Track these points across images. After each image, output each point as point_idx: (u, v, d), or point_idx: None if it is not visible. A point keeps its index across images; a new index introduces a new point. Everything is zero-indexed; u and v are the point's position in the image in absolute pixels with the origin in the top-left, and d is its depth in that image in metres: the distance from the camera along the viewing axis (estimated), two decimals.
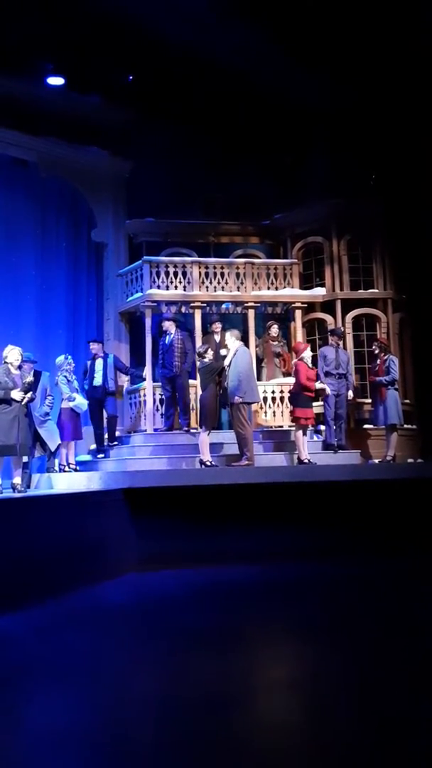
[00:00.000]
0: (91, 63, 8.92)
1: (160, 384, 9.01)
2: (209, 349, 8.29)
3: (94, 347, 9.03)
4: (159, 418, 9.07)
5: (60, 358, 8.78)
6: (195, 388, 9.14)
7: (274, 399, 9.39)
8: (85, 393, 8.83)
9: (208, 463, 7.85)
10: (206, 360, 8.14)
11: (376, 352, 8.98)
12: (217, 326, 9.20)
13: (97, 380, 8.84)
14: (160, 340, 8.98)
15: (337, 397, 8.82)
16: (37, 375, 8.19)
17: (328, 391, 8.76)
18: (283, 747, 2.77)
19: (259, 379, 9.31)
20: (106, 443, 9.01)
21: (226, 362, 8.15)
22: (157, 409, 9.11)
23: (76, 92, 9.42)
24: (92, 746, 2.80)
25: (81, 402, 8.59)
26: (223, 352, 8.42)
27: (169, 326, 8.88)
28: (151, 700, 3.32)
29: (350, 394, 8.99)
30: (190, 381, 9.01)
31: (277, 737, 2.85)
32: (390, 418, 8.63)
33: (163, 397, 8.96)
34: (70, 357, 8.82)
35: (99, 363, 8.91)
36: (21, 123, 9.40)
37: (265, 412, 9.35)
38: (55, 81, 9.25)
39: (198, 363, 8.34)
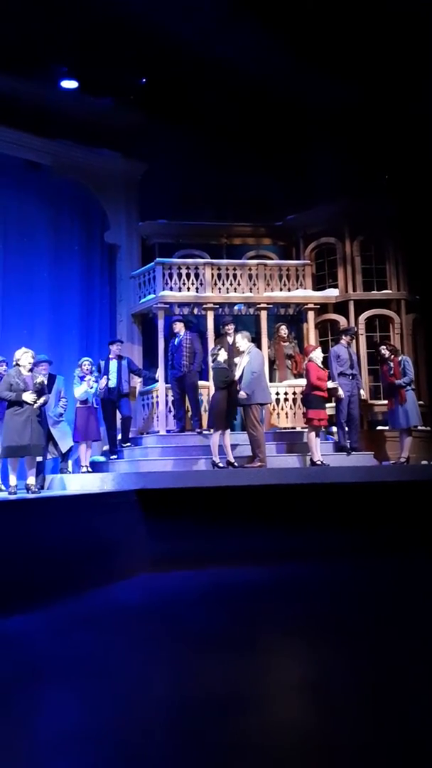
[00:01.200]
0: (104, 66, 8.97)
1: (171, 386, 9.02)
2: (222, 349, 8.28)
3: (114, 348, 9.04)
4: (171, 419, 9.08)
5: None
6: (207, 389, 9.16)
7: (286, 400, 9.37)
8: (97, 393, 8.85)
9: (220, 465, 7.85)
10: (219, 360, 8.13)
11: (386, 355, 8.86)
12: (230, 327, 9.19)
13: (112, 382, 8.87)
14: (171, 342, 9.01)
15: (351, 397, 8.77)
16: (52, 378, 8.28)
17: (342, 393, 8.70)
18: (293, 749, 2.76)
19: (271, 380, 9.30)
20: (119, 444, 9.05)
21: (238, 370, 8.08)
22: (170, 411, 9.13)
23: (90, 95, 9.49)
24: (103, 747, 2.80)
25: (81, 393, 8.51)
26: (236, 360, 8.32)
27: (180, 327, 8.90)
28: (162, 702, 3.32)
29: (362, 393, 8.93)
30: (201, 382, 9.03)
31: (288, 739, 2.84)
32: (411, 420, 8.57)
33: (173, 398, 8.97)
34: (84, 359, 8.84)
35: (113, 365, 8.95)
36: (34, 126, 9.47)
37: (278, 414, 9.33)
38: (69, 84, 9.32)
39: (212, 363, 8.35)
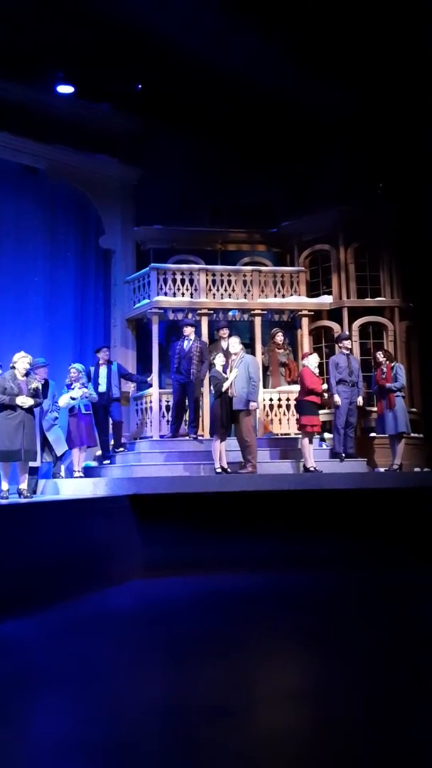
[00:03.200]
0: (101, 71, 9.00)
1: (169, 389, 8.98)
2: (219, 356, 8.29)
3: (102, 355, 9.06)
4: (165, 424, 9.07)
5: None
6: (201, 394, 9.16)
7: (279, 406, 9.38)
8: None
9: (218, 470, 7.86)
10: (217, 368, 8.14)
11: (381, 359, 8.92)
12: (225, 332, 9.13)
13: (102, 387, 8.88)
14: (176, 344, 8.90)
15: (350, 405, 8.79)
16: (47, 383, 8.27)
17: (338, 400, 8.71)
18: (287, 756, 2.76)
19: (264, 386, 9.31)
20: (111, 449, 9.02)
21: (231, 375, 8.09)
22: (163, 416, 9.12)
23: (86, 100, 9.52)
24: (96, 753, 2.79)
25: (63, 402, 8.45)
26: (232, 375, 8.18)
27: (190, 332, 8.82)
28: (155, 708, 3.31)
29: (360, 400, 8.94)
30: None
31: (281, 746, 2.84)
32: (399, 426, 8.60)
33: (171, 402, 8.92)
34: (72, 366, 8.81)
35: (103, 370, 8.97)
36: (31, 130, 9.47)
37: (271, 420, 9.34)
38: (65, 89, 9.33)
39: (210, 371, 8.36)
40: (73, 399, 8.45)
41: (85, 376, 8.81)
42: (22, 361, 7.06)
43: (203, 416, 9.07)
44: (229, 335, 8.99)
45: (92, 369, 9.03)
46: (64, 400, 8.46)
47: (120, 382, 9.12)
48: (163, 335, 9.42)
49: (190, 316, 9.51)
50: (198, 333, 9.50)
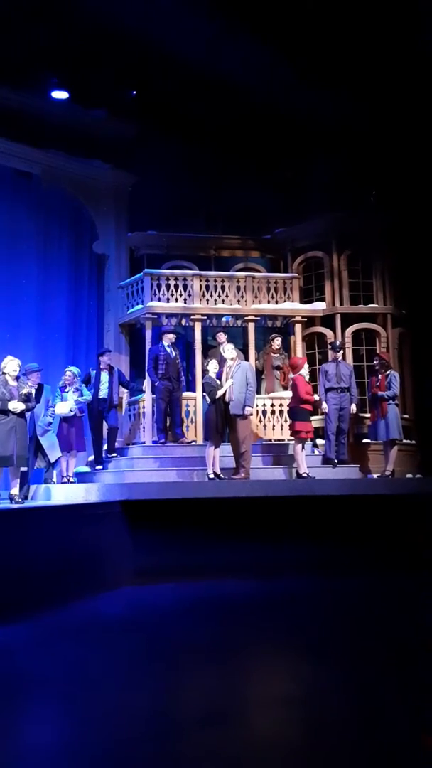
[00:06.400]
0: (95, 77, 9.01)
1: (158, 396, 8.96)
2: (212, 362, 8.29)
3: (105, 359, 9.03)
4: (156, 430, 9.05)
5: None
6: (194, 400, 9.16)
7: (273, 412, 9.39)
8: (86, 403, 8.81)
9: (211, 475, 7.85)
10: (210, 374, 8.14)
11: (377, 368, 8.98)
12: (222, 337, 9.13)
13: (103, 392, 8.83)
14: (156, 350, 8.89)
15: (341, 411, 8.82)
16: (41, 387, 8.24)
17: (325, 407, 8.76)
18: (278, 763, 2.75)
19: (258, 391, 9.32)
20: (105, 455, 8.99)
21: (227, 382, 8.09)
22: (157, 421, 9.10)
23: (80, 106, 9.52)
24: (86, 761, 2.77)
25: (61, 410, 8.43)
26: (227, 384, 8.16)
27: (172, 339, 8.89)
28: (146, 714, 3.29)
29: (353, 407, 8.93)
30: (186, 393, 9.05)
31: (273, 753, 2.83)
32: (391, 433, 8.62)
33: (157, 408, 8.85)
34: (68, 369, 8.80)
35: (105, 375, 8.91)
36: (25, 136, 9.49)
37: (264, 426, 9.34)
38: (60, 95, 9.35)
39: (204, 377, 8.36)
40: (71, 411, 8.40)
41: (80, 380, 8.79)
42: (10, 365, 7.03)
43: (196, 421, 9.06)
44: (227, 340, 9.02)
45: (92, 372, 8.97)
46: (63, 409, 8.37)
47: (119, 388, 9.10)
48: (155, 338, 9.41)
49: (183, 322, 9.52)
50: (187, 338, 9.52)
